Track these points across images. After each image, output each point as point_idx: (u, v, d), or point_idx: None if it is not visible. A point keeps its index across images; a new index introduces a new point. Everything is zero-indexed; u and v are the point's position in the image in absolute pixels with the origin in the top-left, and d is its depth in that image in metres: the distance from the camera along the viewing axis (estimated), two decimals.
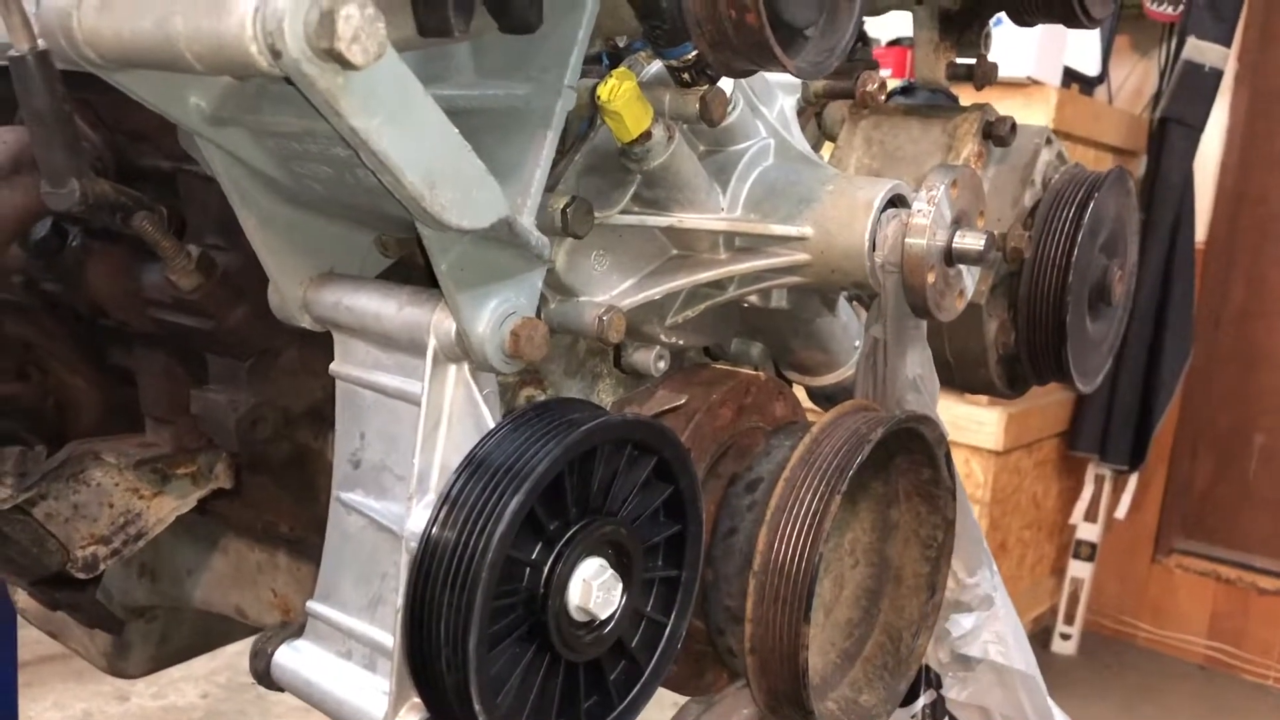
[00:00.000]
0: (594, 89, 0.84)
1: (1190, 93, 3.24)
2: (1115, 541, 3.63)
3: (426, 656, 0.72)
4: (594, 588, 0.75)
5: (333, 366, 0.86)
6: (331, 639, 0.84)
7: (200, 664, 2.98)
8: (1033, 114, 2.83)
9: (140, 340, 1.04)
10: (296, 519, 1.07)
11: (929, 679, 1.16)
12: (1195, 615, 3.59)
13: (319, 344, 0.89)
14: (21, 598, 1.37)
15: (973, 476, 3.04)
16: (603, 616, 0.77)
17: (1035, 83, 2.87)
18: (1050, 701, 1.22)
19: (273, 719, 2.86)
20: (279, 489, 1.06)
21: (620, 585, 0.78)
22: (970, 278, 1.04)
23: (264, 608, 1.16)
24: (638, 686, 0.83)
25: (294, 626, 0.88)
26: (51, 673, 2.91)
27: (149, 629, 1.33)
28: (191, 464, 1.03)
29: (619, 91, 0.83)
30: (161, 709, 2.90)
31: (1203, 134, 3.29)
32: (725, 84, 0.88)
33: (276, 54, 0.57)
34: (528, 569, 0.74)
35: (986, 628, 1.16)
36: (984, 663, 1.17)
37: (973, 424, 3.00)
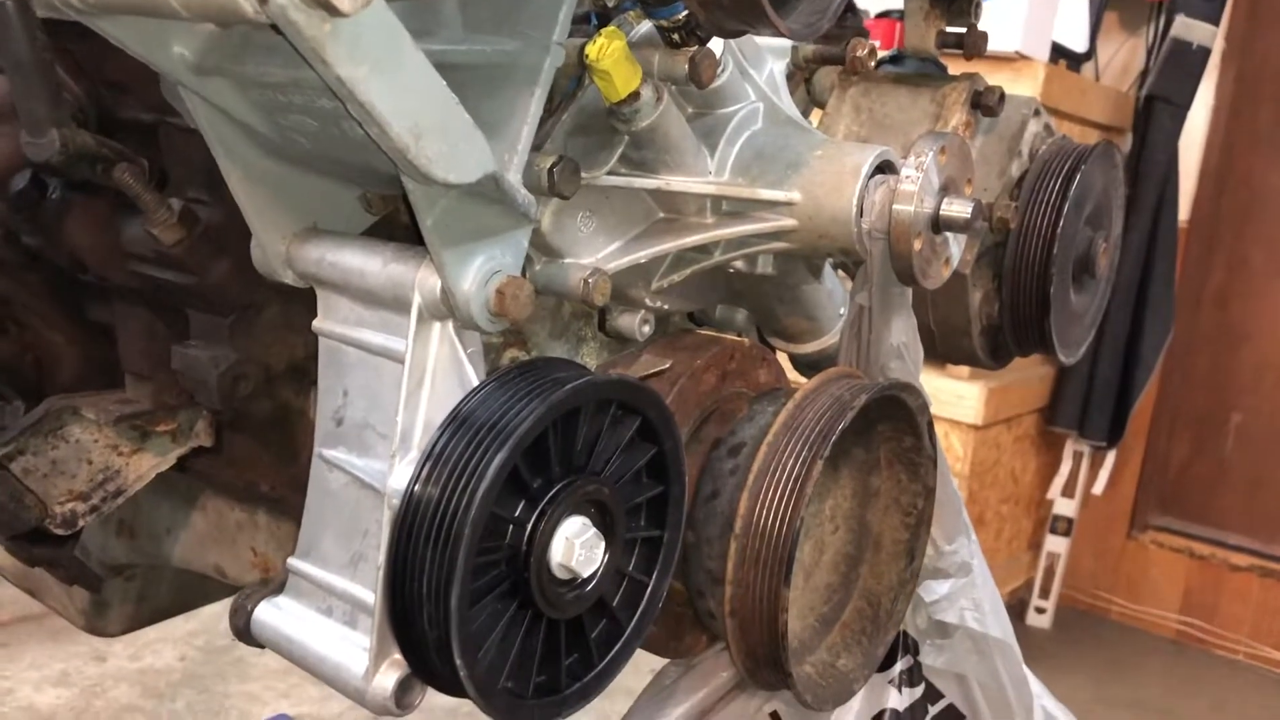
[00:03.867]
0: (582, 48, 0.83)
1: (1177, 71, 3.24)
2: (1091, 517, 3.66)
3: (408, 613, 0.72)
4: (576, 546, 0.75)
5: (316, 323, 0.85)
6: (312, 596, 0.84)
7: (178, 626, 2.98)
8: (1020, 89, 2.81)
9: (120, 295, 1.03)
10: (277, 477, 1.06)
11: (906, 645, 1.17)
12: (1168, 591, 3.63)
13: (301, 300, 0.88)
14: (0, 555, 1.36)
15: (952, 450, 3.06)
16: (585, 574, 0.77)
17: (1023, 57, 2.87)
18: (1026, 669, 1.23)
19: (250, 681, 2.87)
20: (260, 447, 1.05)
21: (603, 544, 0.78)
22: (957, 245, 1.04)
23: (243, 566, 1.15)
24: (618, 645, 0.83)
25: (274, 583, 0.88)
26: (28, 633, 2.91)
27: (127, 587, 1.32)
28: (171, 421, 1.03)
29: (608, 51, 0.82)
30: (139, 670, 2.90)
31: (1189, 112, 3.30)
32: (715, 46, 0.88)
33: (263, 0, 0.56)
34: (510, 526, 0.74)
35: (963, 595, 1.17)
36: (960, 630, 1.18)
37: (953, 398, 3.01)
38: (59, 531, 0.99)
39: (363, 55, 0.60)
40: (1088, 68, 3.38)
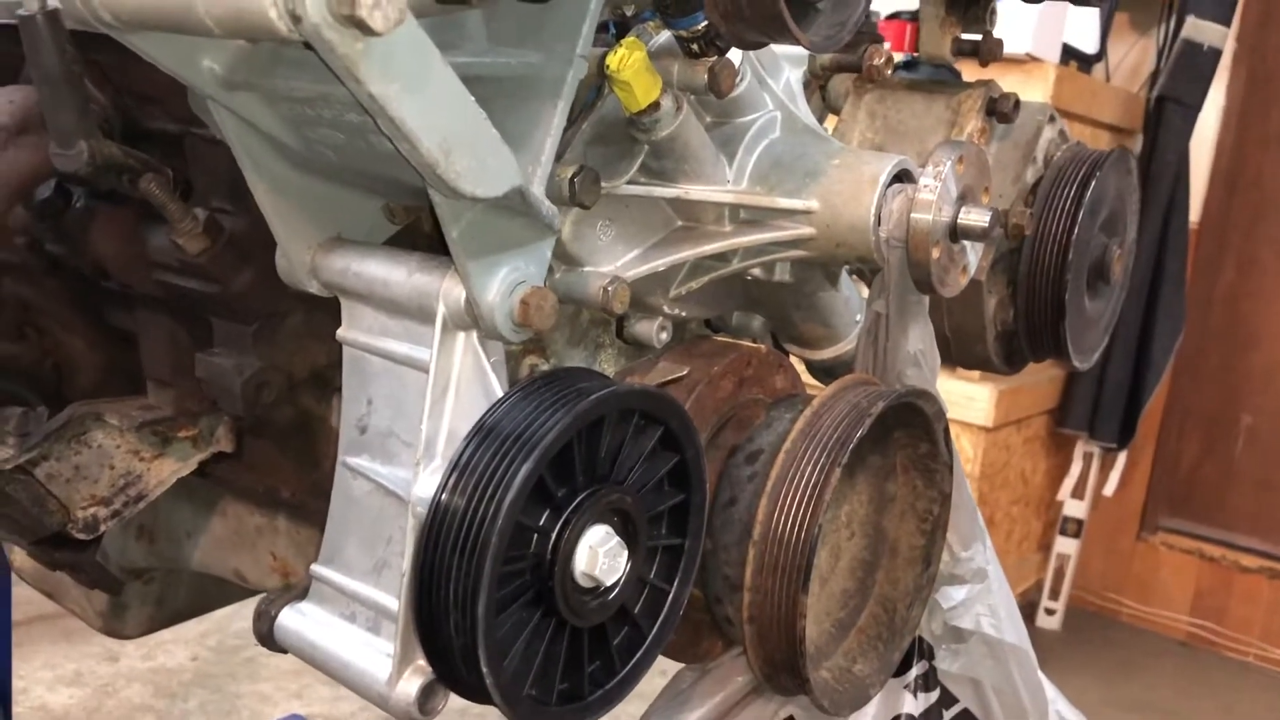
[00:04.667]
0: (603, 58, 0.84)
1: (1188, 72, 3.24)
2: (1102, 518, 3.66)
3: (435, 620, 0.73)
4: (600, 554, 0.76)
5: (340, 332, 0.86)
6: (335, 602, 0.85)
7: (190, 627, 2.99)
8: (1031, 91, 2.83)
9: (143, 303, 1.04)
10: (297, 483, 1.07)
11: (922, 650, 1.18)
12: (1179, 592, 3.63)
13: (324, 308, 0.89)
14: (18, 557, 1.37)
15: (962, 451, 3.06)
16: (608, 583, 0.78)
17: (1034, 59, 2.87)
18: (1040, 674, 1.24)
19: (262, 681, 2.88)
20: (280, 453, 1.06)
21: (625, 552, 0.79)
22: (974, 254, 1.04)
23: (263, 571, 1.16)
24: (640, 652, 0.84)
25: (298, 589, 0.89)
26: (41, 633, 2.92)
27: (146, 590, 1.33)
28: (193, 427, 1.04)
29: (629, 61, 0.83)
30: (151, 670, 2.91)
31: (1199, 114, 3.29)
32: (733, 55, 0.88)
33: (296, 19, 0.56)
34: (535, 535, 0.75)
35: (979, 600, 1.17)
36: (976, 635, 1.18)
37: (963, 399, 3.01)
38: (81, 536, 1.00)
39: (395, 73, 0.61)
40: (1098, 69, 3.38)
